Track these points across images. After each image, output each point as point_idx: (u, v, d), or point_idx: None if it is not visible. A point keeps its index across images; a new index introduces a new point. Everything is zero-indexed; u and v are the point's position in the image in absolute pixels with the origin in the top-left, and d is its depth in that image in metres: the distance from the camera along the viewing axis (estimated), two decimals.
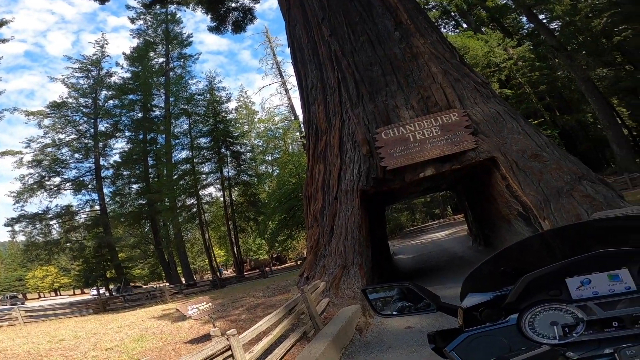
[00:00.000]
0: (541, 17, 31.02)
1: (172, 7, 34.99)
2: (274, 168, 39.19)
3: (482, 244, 14.65)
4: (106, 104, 36.41)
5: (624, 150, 21.99)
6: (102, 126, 35.93)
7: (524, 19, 35.76)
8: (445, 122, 9.46)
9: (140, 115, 36.67)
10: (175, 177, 33.49)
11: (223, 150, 35.35)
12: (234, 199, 35.53)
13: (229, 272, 47.23)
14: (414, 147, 9.44)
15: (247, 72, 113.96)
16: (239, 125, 41.49)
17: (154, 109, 37.85)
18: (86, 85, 35.61)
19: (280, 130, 35.90)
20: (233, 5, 22.82)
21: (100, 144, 35.17)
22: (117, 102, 36.18)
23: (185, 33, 39.82)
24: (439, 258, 15.75)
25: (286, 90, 37.33)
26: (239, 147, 37.45)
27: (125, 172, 36.02)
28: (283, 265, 38.70)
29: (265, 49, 39.44)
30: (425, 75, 10.70)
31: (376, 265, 11.00)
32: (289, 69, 37.30)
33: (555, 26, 31.57)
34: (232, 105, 61.10)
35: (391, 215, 42.28)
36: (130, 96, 36.18)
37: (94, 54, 36.80)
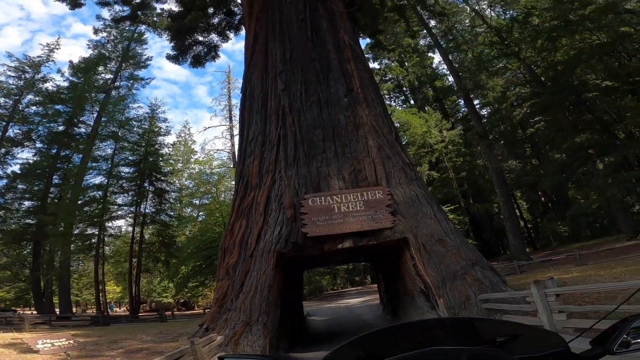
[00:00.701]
0: (476, 102, 34.38)
1: (142, 27, 34.05)
2: (200, 213, 37.31)
3: (390, 313, 15.21)
4: (27, 109, 32.87)
5: (517, 241, 24.83)
6: (13, 131, 32.01)
7: (462, 102, 39.24)
8: (370, 198, 10.12)
9: (61, 128, 33.36)
10: (80, 202, 29.81)
11: (146, 184, 32.87)
12: (146, 237, 32.56)
13: (121, 310, 41.90)
14: (337, 219, 9.85)
15: (198, 108, 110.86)
16: (172, 162, 39.42)
17: (79, 125, 34.76)
18: (14, 86, 32.38)
19: (215, 177, 34.87)
20: (200, 39, 22.35)
21: (3, 150, 30.94)
22: (41, 109, 32.77)
23: (145, 55, 38.62)
24: (350, 323, 15.85)
25: (232, 136, 36.96)
26: (165, 184, 35.09)
27: (21, 186, 31.48)
28: (190, 312, 35.45)
29: (223, 89, 39.68)
30: (362, 147, 11.34)
31: (287, 326, 10.71)
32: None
33: (485, 112, 35.09)
34: (170, 139, 58.32)
35: (313, 277, 42.07)
36: (58, 106, 33.11)
37: (38, 57, 34.10)
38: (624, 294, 6.12)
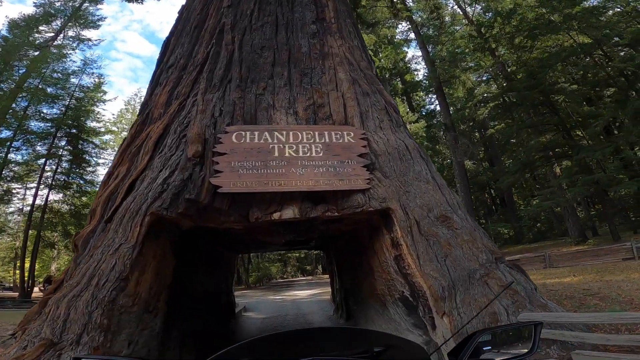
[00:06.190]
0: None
1: None
2: None
3: (343, 316, 11.75)
4: None
5: None
6: None
7: (428, 99, 40.81)
8: (334, 141, 6.22)
9: None
10: None
11: (64, 142, 26.71)
12: (53, 206, 26.41)
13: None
14: (276, 167, 5.82)
15: None
16: (116, 129, 33.74)
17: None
18: None
19: None
20: None
21: None
22: None
23: (98, 15, 31.04)
24: (293, 324, 12.81)
25: None
26: (91, 147, 28.64)
27: None
28: None
29: None
30: (328, 79, 7.76)
31: (198, 332, 6.98)
32: None
33: (452, 109, 35.18)
34: (116, 106, 52.14)
35: (262, 263, 40.71)
36: None
37: None
38: None
